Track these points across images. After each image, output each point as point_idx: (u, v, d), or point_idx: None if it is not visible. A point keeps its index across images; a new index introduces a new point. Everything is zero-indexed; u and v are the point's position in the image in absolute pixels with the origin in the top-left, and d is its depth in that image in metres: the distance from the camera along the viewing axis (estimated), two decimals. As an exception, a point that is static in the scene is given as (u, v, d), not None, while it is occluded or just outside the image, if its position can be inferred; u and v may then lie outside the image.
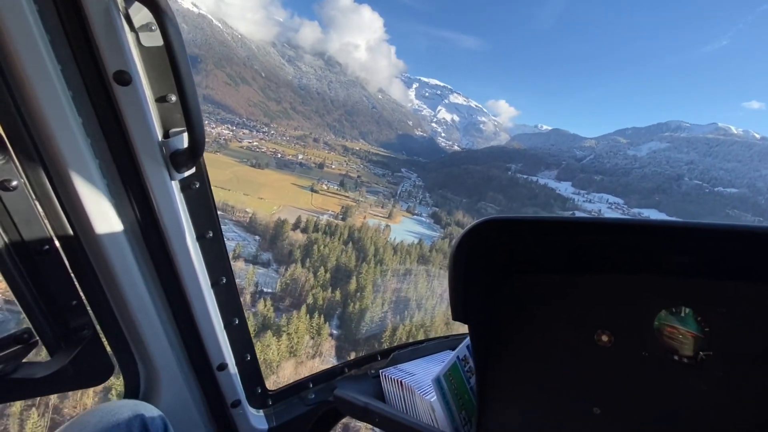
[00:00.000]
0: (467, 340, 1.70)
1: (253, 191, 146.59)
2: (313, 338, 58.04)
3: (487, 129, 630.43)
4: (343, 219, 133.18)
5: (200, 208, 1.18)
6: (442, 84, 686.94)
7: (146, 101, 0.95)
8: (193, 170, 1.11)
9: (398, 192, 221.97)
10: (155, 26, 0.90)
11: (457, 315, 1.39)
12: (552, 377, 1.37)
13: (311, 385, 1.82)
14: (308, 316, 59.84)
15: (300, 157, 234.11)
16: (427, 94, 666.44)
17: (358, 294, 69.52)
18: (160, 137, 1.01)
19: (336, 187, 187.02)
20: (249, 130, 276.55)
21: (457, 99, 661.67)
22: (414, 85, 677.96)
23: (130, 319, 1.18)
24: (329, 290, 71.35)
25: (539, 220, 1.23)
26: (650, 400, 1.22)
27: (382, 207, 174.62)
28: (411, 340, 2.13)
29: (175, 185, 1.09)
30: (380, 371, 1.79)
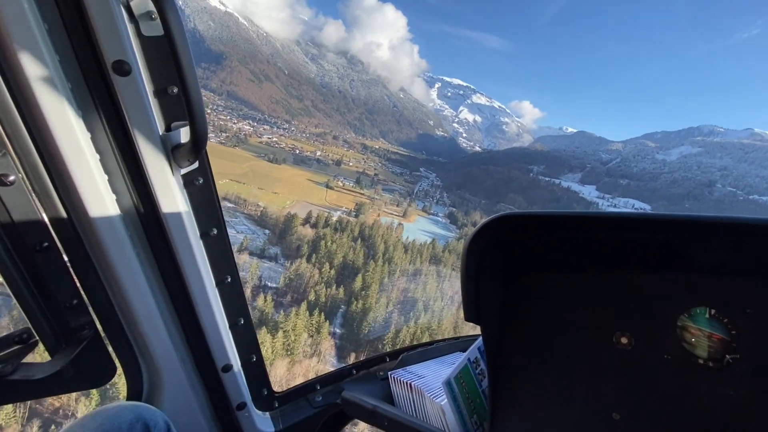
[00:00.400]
0: (478, 341, 1.64)
1: (268, 186, 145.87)
2: (311, 336, 55.54)
3: (510, 130, 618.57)
4: (356, 216, 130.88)
5: (204, 205, 1.14)
6: (464, 84, 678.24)
7: (147, 93, 0.92)
8: (196, 165, 1.08)
9: (415, 191, 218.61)
10: (156, 15, 0.87)
11: (470, 315, 1.34)
12: (568, 381, 1.31)
13: (318, 387, 1.79)
14: (308, 313, 57.39)
15: (318, 153, 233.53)
16: (449, 94, 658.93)
17: (363, 292, 66.69)
18: (161, 130, 0.98)
19: (352, 184, 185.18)
20: (270, 126, 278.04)
21: (480, 99, 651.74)
22: (436, 85, 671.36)
23: (132, 319, 1.15)
24: (333, 287, 68.80)
25: (556, 216, 1.19)
26: (673, 405, 1.16)
27: (397, 205, 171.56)
28: (419, 342, 2.08)
29: (177, 180, 1.06)
30: (389, 373, 1.74)
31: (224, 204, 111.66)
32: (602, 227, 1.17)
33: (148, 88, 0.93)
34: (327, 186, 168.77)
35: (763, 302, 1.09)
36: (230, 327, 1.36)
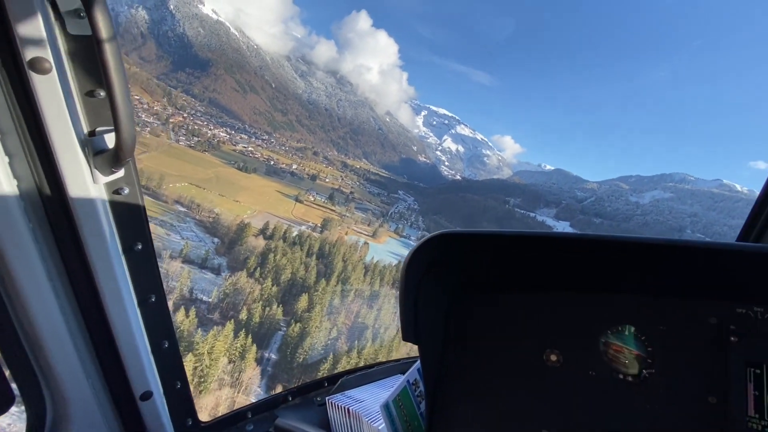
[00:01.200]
0: (418, 363, 1.61)
1: (231, 193, 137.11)
2: (232, 362, 46.89)
3: (491, 162, 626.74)
4: (321, 232, 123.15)
5: (129, 217, 1.05)
6: (450, 114, 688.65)
7: (69, 94, 0.85)
8: (121, 174, 1.00)
9: (390, 212, 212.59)
10: (84, 13, 0.81)
11: (408, 335, 1.34)
12: (503, 399, 1.33)
13: (250, 415, 1.70)
14: (234, 334, 48.85)
15: (294, 167, 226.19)
16: (434, 122, 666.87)
17: (306, 314, 58.51)
18: (83, 135, 0.91)
19: (323, 200, 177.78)
20: (248, 135, 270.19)
21: (464, 130, 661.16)
22: (423, 113, 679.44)
23: (36, 342, 1.02)
24: (273, 306, 60.36)
25: (494, 234, 1.21)
26: (597, 420, 1.20)
27: (369, 225, 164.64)
28: (360, 365, 2.04)
29: (98, 189, 0.97)
30: (326, 398, 1.70)
31: (176, 208, 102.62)
32: (534, 246, 1.21)
33: (73, 89, 0.86)
34: (296, 199, 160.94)
35: (675, 319, 1.17)
36: (152, 350, 1.24)
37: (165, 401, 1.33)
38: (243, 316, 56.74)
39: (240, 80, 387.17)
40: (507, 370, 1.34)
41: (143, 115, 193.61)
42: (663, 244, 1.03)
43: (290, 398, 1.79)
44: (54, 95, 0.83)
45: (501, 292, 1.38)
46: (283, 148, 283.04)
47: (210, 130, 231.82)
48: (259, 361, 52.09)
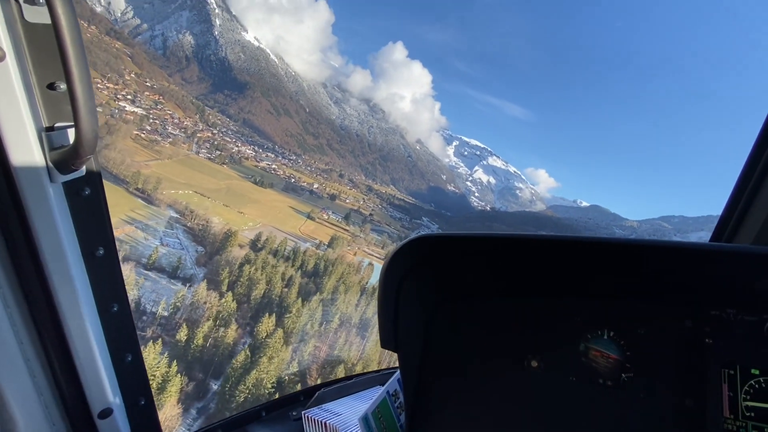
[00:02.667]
0: (398, 373, 1.56)
1: (237, 204, 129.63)
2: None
3: (524, 196, 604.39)
4: (324, 249, 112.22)
5: (90, 220, 0.97)
6: (482, 145, 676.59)
7: (26, 86, 0.78)
8: (82, 173, 0.93)
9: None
10: (42, 0, 0.75)
11: (387, 342, 1.29)
12: (484, 407, 1.30)
13: None
14: (157, 359, 37.57)
15: (315, 186, 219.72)
16: (465, 152, 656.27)
17: (266, 340, 46.60)
18: (41, 130, 0.84)
19: (338, 219, 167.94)
20: (275, 154, 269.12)
21: (496, 162, 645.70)
22: (454, 143, 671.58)
23: None
24: (224, 328, 48.83)
25: (472, 237, 1.19)
26: (578, 426, 1.19)
27: (382, 247, 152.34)
28: (338, 377, 1.94)
29: (56, 189, 0.89)
30: (302, 412, 1.64)
31: (167, 213, 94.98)
32: (514, 246, 1.18)
33: (32, 80, 0.79)
34: (309, 216, 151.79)
35: (652, 323, 1.16)
36: (114, 364, 1.14)
37: (127, 419, 1.22)
38: (181, 336, 45.52)
39: (275, 103, 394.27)
40: (488, 377, 1.32)
41: (169, 128, 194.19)
42: (638, 244, 1.03)
43: (263, 413, 1.71)
44: (7, 86, 0.76)
45: (482, 298, 1.36)
46: (309, 168, 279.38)
47: (237, 146, 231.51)
48: (186, 397, 40.21)
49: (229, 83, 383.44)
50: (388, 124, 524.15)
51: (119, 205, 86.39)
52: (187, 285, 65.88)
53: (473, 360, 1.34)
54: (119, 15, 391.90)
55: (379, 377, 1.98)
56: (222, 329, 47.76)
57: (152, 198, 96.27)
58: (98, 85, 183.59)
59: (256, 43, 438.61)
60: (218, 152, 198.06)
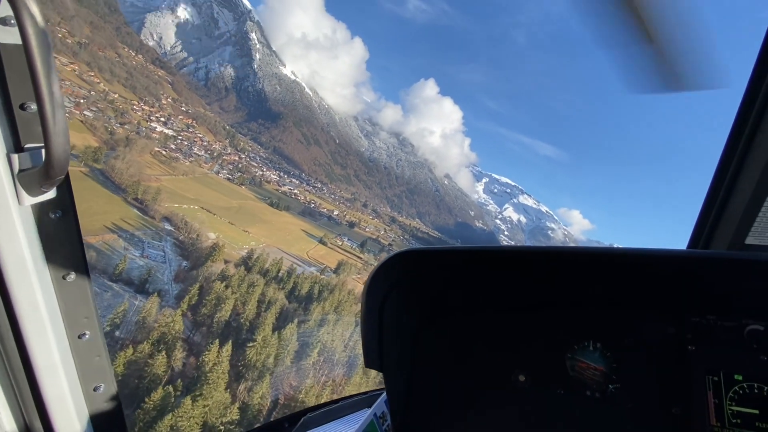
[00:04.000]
0: (385, 394, 1.52)
1: (244, 223, 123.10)
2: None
3: (556, 236, 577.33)
4: (328, 274, 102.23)
5: (60, 243, 0.92)
6: (512, 183, 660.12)
7: None
8: (52, 195, 0.89)
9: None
10: (13, 21, 0.74)
11: (371, 362, 1.26)
12: (474, 425, 1.28)
13: None
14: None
15: (335, 213, 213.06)
16: (495, 190, 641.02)
17: (205, 374, 36.40)
18: (10, 150, 0.81)
19: (353, 246, 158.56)
20: (300, 181, 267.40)
21: (527, 201, 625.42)
22: (483, 179, 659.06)
23: None
24: (160, 354, 39.00)
25: (457, 250, 1.17)
26: None
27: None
28: (324, 401, 1.90)
29: (24, 211, 0.85)
30: None
31: (161, 225, 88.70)
32: (498, 258, 1.17)
33: (1, 100, 0.78)
34: (321, 241, 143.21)
35: (636, 332, 1.16)
36: (85, 396, 1.07)
37: None
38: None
39: (306, 133, 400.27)
40: (476, 393, 1.29)
41: (195, 149, 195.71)
42: (617, 253, 1.02)
43: None
44: None
45: (467, 313, 1.34)
46: (332, 196, 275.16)
47: (261, 171, 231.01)
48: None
49: (264, 113, 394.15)
50: (416, 157, 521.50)
51: (110, 213, 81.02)
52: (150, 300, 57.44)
53: (460, 377, 1.32)
54: (168, 48, 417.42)
55: (366, 399, 1.90)
56: (157, 355, 38.11)
57: (150, 209, 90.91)
58: (134, 107, 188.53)
59: (292, 77, 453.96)
60: (240, 174, 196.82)
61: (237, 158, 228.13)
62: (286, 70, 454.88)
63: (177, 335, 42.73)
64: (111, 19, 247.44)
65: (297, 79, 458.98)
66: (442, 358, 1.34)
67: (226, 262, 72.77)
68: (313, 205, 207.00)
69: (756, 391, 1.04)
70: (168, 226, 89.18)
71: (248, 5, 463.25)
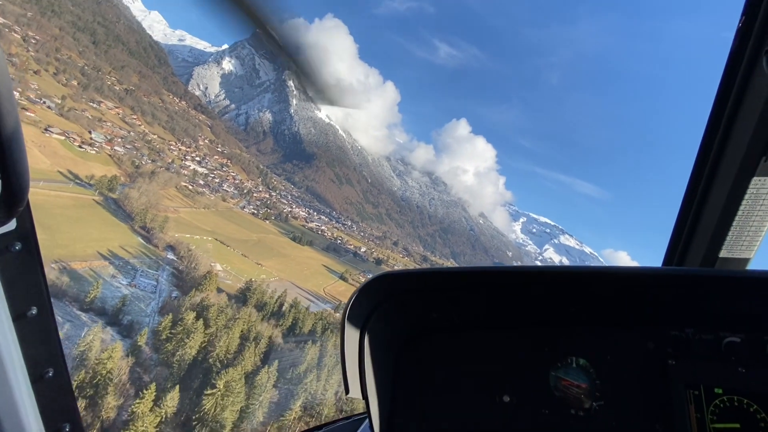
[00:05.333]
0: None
1: (260, 257, 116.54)
2: None
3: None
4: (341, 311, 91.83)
5: (21, 277, 0.87)
6: (552, 223, 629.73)
7: None
8: (12, 227, 0.85)
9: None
10: None
11: (353, 389, 1.21)
12: None
13: None
14: None
15: (363, 249, 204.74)
16: (534, 230, 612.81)
17: None
18: None
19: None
20: (329, 218, 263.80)
21: (569, 241, 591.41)
22: (521, 219, 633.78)
23: None
24: (84, 399, 30.05)
25: (437, 271, 1.16)
26: None
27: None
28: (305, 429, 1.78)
29: None
30: None
31: (163, 254, 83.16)
32: (479, 279, 1.17)
33: None
34: (341, 277, 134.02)
35: (620, 348, 1.15)
36: None
37: None
38: None
39: (338, 173, 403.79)
40: (461, 414, 1.27)
41: (225, 185, 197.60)
42: (596, 271, 1.02)
43: None
44: None
45: (449, 334, 1.33)
46: (362, 233, 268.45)
47: (291, 208, 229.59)
48: None
49: (298, 154, 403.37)
50: (450, 196, 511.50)
51: (110, 240, 76.67)
52: (125, 335, 49.55)
53: (445, 399, 1.29)
54: (213, 97, 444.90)
55: (350, 424, 1.87)
56: (84, 399, 29.29)
57: (155, 238, 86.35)
58: (171, 147, 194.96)
59: (326, 120, 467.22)
60: (266, 209, 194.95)
61: (267, 195, 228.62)
62: (321, 114, 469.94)
63: (107, 376, 33.89)
64: (159, 70, 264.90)
65: (331, 122, 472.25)
66: (425, 380, 1.32)
67: (219, 292, 64.89)
68: (339, 241, 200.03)
69: (736, 404, 1.03)
70: (170, 255, 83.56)
71: (287, 56, 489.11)
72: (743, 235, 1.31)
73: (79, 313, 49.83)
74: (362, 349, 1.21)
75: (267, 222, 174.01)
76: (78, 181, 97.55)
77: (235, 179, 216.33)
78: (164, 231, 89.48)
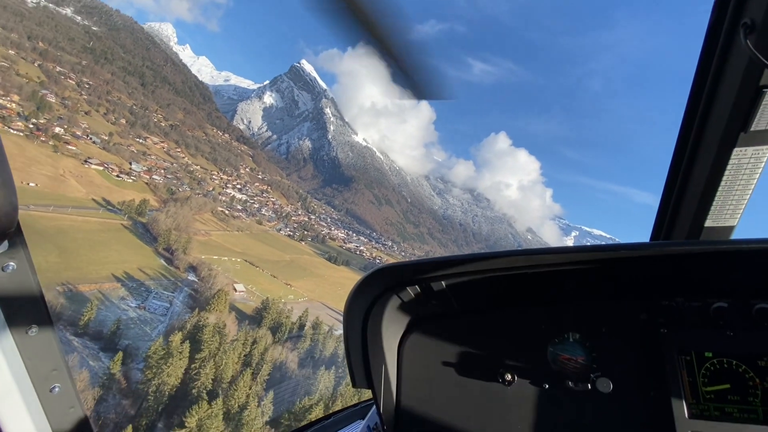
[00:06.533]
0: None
1: (291, 277, 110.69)
2: None
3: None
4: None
5: (17, 297, 0.87)
6: (607, 236, 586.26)
7: None
8: (4, 248, 0.84)
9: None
10: None
11: (359, 380, 1.27)
12: (466, 426, 1.29)
13: None
14: None
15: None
16: (588, 243, 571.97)
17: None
18: None
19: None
20: (369, 239, 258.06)
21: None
22: (573, 233, 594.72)
23: None
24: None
25: (433, 262, 1.18)
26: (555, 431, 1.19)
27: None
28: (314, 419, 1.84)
29: None
30: None
31: (184, 275, 78.97)
32: (474, 267, 1.18)
33: None
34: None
35: (614, 321, 1.20)
36: None
37: None
38: None
39: (377, 194, 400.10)
40: (465, 396, 1.30)
41: (263, 210, 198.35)
42: (585, 250, 1.04)
43: None
44: None
45: (448, 318, 1.37)
46: (403, 253, 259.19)
47: (329, 229, 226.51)
48: None
49: (337, 178, 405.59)
50: (493, 212, 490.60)
51: (128, 262, 73.71)
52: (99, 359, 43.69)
53: (449, 381, 1.33)
54: (256, 130, 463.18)
55: (358, 411, 1.87)
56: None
57: (179, 260, 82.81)
58: (213, 176, 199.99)
59: (363, 143, 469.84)
60: (304, 231, 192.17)
61: (306, 218, 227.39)
62: (358, 138, 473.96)
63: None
64: (204, 107, 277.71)
65: (368, 145, 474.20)
66: (427, 364, 1.36)
67: (233, 312, 58.29)
68: (378, 261, 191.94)
69: (726, 366, 1.08)
70: (191, 277, 79.14)
71: (323, 85, 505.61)
72: (727, 204, 1.34)
73: (71, 338, 44.84)
74: (365, 340, 1.26)
75: (303, 243, 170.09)
76: (110, 207, 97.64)
77: (274, 204, 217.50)
78: (188, 252, 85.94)
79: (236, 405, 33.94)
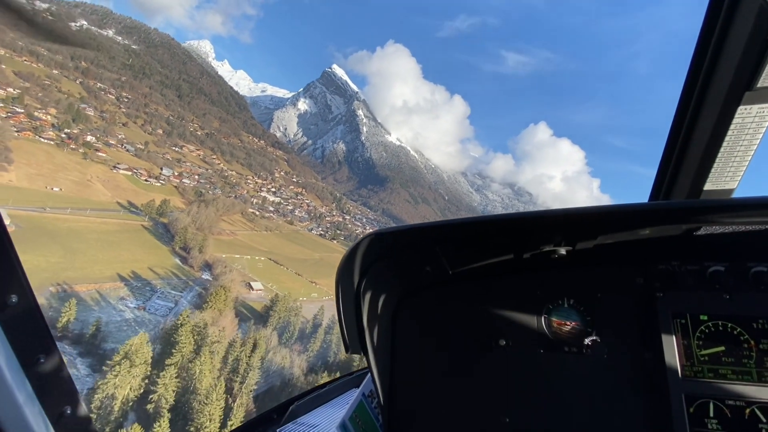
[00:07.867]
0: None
1: (316, 275, 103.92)
2: None
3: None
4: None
5: (23, 328, 0.82)
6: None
7: None
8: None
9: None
10: None
11: (353, 347, 1.24)
12: (459, 392, 1.28)
13: None
14: None
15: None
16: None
17: None
18: None
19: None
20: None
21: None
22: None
23: None
24: None
25: (426, 226, 1.14)
26: (552, 396, 1.19)
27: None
28: (310, 388, 1.84)
29: None
30: (276, 431, 1.50)
31: (198, 274, 73.65)
32: (466, 230, 1.16)
33: None
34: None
35: (610, 286, 1.19)
36: (51, 419, 0.93)
37: None
38: None
39: (413, 193, 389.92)
40: (460, 363, 1.30)
41: (296, 211, 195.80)
42: (580, 212, 1.01)
43: None
44: None
45: (443, 285, 1.35)
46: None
47: (363, 229, 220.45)
48: None
49: (372, 178, 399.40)
50: (536, 206, 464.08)
51: (139, 261, 69.56)
52: (94, 369, 37.57)
53: (443, 349, 1.32)
54: (292, 136, 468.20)
55: (353, 379, 1.86)
56: None
57: (195, 258, 77.98)
58: (248, 180, 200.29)
59: (397, 143, 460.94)
60: (336, 230, 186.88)
61: (340, 219, 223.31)
62: (391, 137, 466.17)
63: None
64: (240, 115, 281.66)
65: (402, 144, 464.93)
66: (422, 332, 1.34)
67: (234, 310, 51.37)
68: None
69: (720, 328, 1.07)
70: (206, 276, 73.78)
71: (355, 88, 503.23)
72: (728, 166, 1.31)
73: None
74: (359, 307, 1.22)
75: (334, 242, 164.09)
76: (132, 210, 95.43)
77: (308, 206, 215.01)
78: (204, 251, 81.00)
79: (207, 422, 26.20)
